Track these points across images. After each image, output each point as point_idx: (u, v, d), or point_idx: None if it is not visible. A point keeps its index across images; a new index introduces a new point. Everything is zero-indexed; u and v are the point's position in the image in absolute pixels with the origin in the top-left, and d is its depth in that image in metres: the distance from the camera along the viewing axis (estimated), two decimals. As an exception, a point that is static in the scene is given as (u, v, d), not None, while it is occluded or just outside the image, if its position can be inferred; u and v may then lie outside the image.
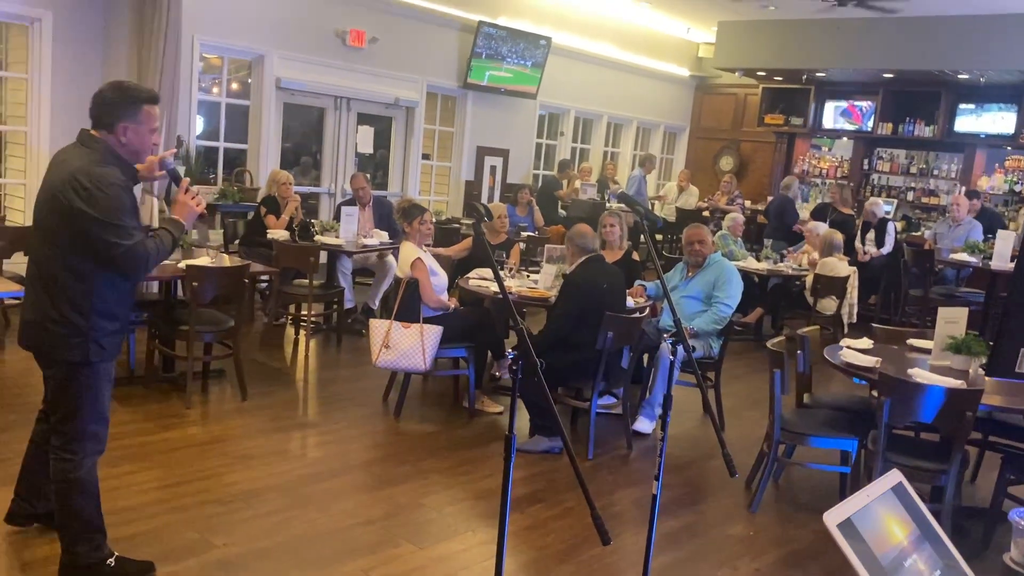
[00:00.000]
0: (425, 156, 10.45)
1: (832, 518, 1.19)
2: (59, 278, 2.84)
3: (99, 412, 2.98)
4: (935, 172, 11.63)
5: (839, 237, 8.20)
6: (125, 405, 4.83)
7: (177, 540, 3.37)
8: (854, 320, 8.17)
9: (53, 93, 7.12)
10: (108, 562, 3.02)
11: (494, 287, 5.37)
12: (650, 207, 12.02)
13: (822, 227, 8.82)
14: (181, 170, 7.24)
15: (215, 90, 8.76)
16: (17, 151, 7.32)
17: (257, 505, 3.75)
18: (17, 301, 5.73)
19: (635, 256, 6.25)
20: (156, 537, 3.38)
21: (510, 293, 5.27)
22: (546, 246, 5.99)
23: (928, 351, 4.46)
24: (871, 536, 1.21)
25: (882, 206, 9.90)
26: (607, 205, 10.62)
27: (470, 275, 5.77)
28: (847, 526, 1.18)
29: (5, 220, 6.64)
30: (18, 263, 6.12)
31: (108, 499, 3.60)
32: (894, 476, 1.38)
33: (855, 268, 8.36)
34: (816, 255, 8.30)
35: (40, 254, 2.91)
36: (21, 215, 7.27)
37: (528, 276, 5.79)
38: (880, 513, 1.28)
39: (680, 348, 2.80)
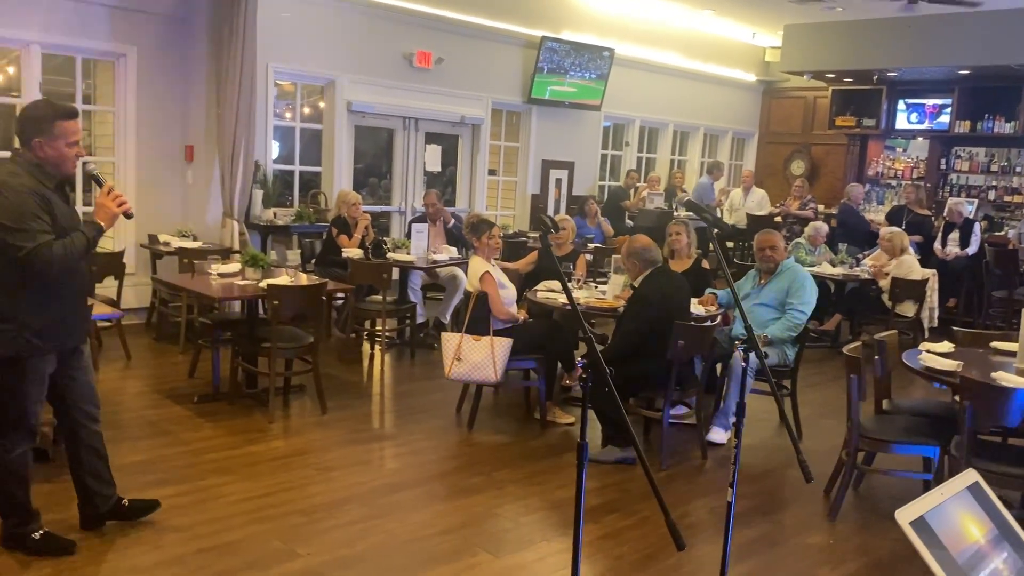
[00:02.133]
0: (491, 171, 10.57)
1: (905, 516, 1.19)
2: None
3: (22, 407, 3.22)
4: (1017, 169, 11.21)
5: (905, 238, 8.04)
6: (211, 421, 5.03)
7: (263, 549, 3.50)
8: (935, 324, 7.94)
9: (138, 124, 7.47)
10: (34, 535, 3.34)
11: (562, 298, 5.41)
12: (719, 214, 11.89)
13: (893, 231, 8.63)
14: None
15: (288, 115, 9.05)
16: (106, 180, 7.68)
17: (338, 515, 3.86)
18: (110, 324, 6.04)
19: (704, 264, 6.21)
20: (243, 546, 3.51)
21: (578, 304, 5.31)
22: (613, 256, 6.01)
23: (1013, 354, 4.32)
24: (946, 534, 1.21)
25: (966, 206, 9.62)
26: (675, 214, 10.55)
27: (538, 287, 5.83)
28: (920, 524, 1.18)
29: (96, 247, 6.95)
30: (108, 287, 6.44)
31: (197, 510, 3.80)
32: (970, 475, 1.37)
33: (934, 270, 8.14)
34: (885, 262, 8.10)
35: None
36: (111, 241, 7.61)
37: (596, 287, 5.82)
38: (956, 512, 1.27)
39: (752, 355, 2.78)
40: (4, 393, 3.20)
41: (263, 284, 5.18)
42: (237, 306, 6.23)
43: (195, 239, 7.35)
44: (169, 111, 7.66)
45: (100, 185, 3.32)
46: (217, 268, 5.66)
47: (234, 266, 5.79)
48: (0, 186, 3.04)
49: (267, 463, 4.45)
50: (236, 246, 7.50)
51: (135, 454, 4.43)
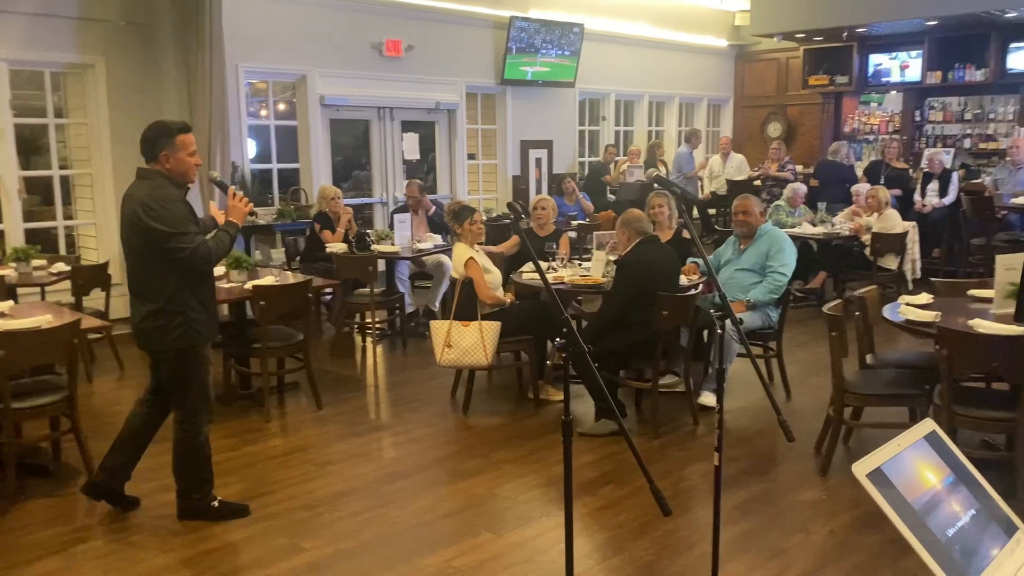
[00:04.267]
0: (470, 156, 10.58)
1: (861, 468, 1.26)
2: (150, 284, 3.53)
3: (204, 388, 3.72)
4: (991, 116, 11.29)
5: (885, 192, 8.13)
6: (209, 424, 5.07)
7: (268, 546, 3.57)
8: (918, 276, 8.06)
9: (112, 134, 7.45)
10: (213, 504, 3.78)
11: (548, 278, 5.47)
12: (698, 183, 11.96)
13: (863, 188, 8.72)
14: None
15: (263, 113, 9.04)
16: (84, 192, 7.68)
17: (340, 508, 3.93)
18: (100, 335, 6.07)
19: (685, 234, 6.27)
20: (248, 545, 3.58)
21: (563, 283, 5.38)
22: (595, 233, 6.06)
23: (990, 300, 4.41)
24: (902, 483, 1.27)
25: (944, 155, 9.70)
26: (655, 186, 10.59)
27: (523, 269, 5.88)
28: (877, 475, 1.25)
29: (80, 259, 6.98)
30: (96, 299, 6.45)
31: (202, 513, 3.84)
32: (927, 425, 1.44)
33: (915, 223, 8.23)
34: (864, 219, 8.18)
35: (131, 270, 3.62)
36: (95, 253, 7.62)
37: (580, 265, 5.88)
38: (912, 461, 1.34)
39: (728, 322, 2.84)
40: (189, 380, 3.65)
41: (249, 286, 5.22)
42: (226, 309, 6.26)
43: (179, 245, 7.34)
44: (142, 119, 7.43)
45: (224, 191, 3.78)
46: (202, 273, 5.67)
47: (218, 269, 5.81)
48: (155, 201, 3.44)
49: (267, 462, 4.51)
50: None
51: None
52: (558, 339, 2.09)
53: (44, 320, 4.04)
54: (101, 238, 7.64)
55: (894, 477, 1.26)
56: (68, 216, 7.70)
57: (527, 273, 5.73)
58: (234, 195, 3.71)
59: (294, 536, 3.65)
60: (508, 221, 9.24)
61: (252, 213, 3.85)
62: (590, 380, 4.58)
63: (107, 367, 6.27)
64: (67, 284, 6.05)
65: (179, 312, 3.53)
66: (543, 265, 5.74)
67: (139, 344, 3.69)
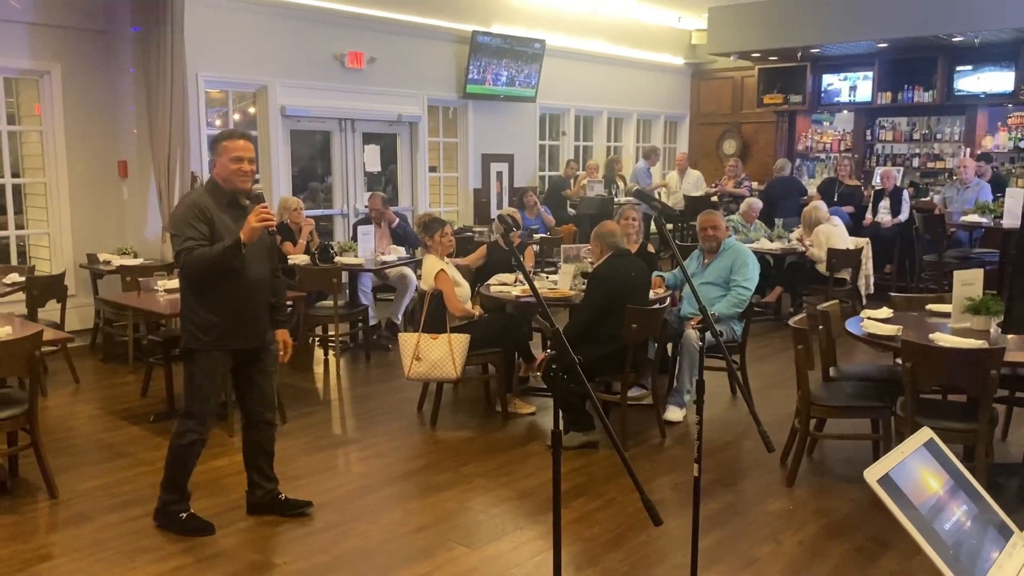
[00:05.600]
0: (432, 168, 10.57)
1: (872, 474, 1.30)
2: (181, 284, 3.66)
3: (198, 395, 3.64)
4: (938, 136, 11.65)
5: (820, 210, 8.32)
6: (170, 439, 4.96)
7: (239, 562, 3.50)
8: (871, 291, 8.25)
9: (68, 141, 7.29)
10: (181, 515, 3.74)
11: (515, 291, 5.49)
12: (657, 197, 12.11)
13: (822, 204, 8.93)
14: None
15: (218, 123, 8.91)
16: (38, 201, 7.49)
17: (311, 523, 3.88)
18: (55, 348, 5.90)
19: (650, 248, 6.35)
20: (219, 561, 3.51)
21: (531, 296, 5.39)
22: (563, 247, 6.10)
23: (947, 315, 4.54)
24: (909, 488, 1.31)
25: (896, 173, 9.99)
26: (616, 200, 10.72)
27: (490, 281, 5.89)
28: (886, 481, 1.29)
29: (35, 270, 6.80)
30: (51, 310, 6.29)
31: (167, 529, 3.76)
32: (925, 433, 1.48)
33: (867, 239, 8.44)
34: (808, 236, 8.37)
35: None
36: (48, 264, 7.43)
37: (547, 278, 5.90)
38: (916, 467, 1.38)
39: (708, 334, 2.89)
40: (185, 381, 3.69)
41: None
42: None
43: (135, 256, 7.22)
44: (99, 127, 7.49)
45: (255, 204, 3.55)
46: (164, 284, 5.58)
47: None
48: (180, 201, 3.64)
49: (232, 476, 4.42)
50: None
51: (96, 478, 4.37)
52: (548, 349, 2.10)
53: (4, 332, 3.93)
54: (55, 249, 7.45)
55: (901, 483, 1.30)
56: (19, 225, 7.50)
57: (495, 285, 5.74)
58: (258, 211, 3.43)
59: (266, 552, 3.59)
60: (471, 233, 9.27)
61: (269, 231, 3.52)
62: (568, 393, 4.60)
63: (62, 380, 6.11)
64: (20, 295, 5.88)
65: (187, 315, 3.61)
66: (510, 278, 5.78)
67: None
